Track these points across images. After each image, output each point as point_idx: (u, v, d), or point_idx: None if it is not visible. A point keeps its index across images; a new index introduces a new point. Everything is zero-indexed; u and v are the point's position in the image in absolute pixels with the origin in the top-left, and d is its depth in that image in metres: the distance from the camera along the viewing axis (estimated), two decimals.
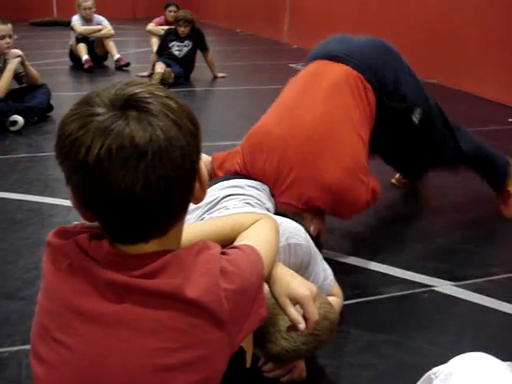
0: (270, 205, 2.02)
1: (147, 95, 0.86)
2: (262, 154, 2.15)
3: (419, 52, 6.49)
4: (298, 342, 1.38)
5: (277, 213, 1.98)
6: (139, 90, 0.86)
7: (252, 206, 1.87)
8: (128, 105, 0.84)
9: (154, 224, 0.90)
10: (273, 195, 2.12)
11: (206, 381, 0.95)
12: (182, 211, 0.94)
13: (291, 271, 1.21)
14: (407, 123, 2.37)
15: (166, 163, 0.84)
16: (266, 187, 2.11)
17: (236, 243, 1.11)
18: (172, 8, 7.45)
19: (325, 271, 1.79)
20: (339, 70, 2.25)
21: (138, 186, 0.83)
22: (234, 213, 1.23)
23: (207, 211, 1.76)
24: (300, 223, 1.88)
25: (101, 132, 0.82)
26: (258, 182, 2.10)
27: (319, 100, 2.19)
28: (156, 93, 0.87)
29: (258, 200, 1.96)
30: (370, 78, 2.23)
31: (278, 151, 2.12)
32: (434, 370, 0.75)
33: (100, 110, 0.84)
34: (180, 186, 0.88)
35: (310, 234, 1.83)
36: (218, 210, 1.76)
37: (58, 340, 0.93)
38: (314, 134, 2.11)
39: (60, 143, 0.86)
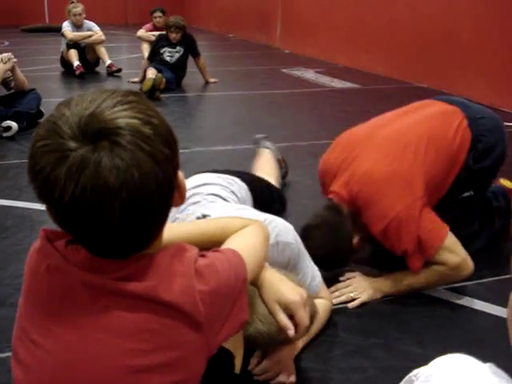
0: (240, 196, 2.04)
1: (119, 124, 0.83)
2: (332, 148, 2.32)
3: (410, 57, 6.54)
4: (272, 327, 1.37)
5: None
6: (110, 117, 0.83)
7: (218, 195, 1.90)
8: (99, 136, 0.82)
9: (132, 246, 0.91)
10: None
11: (183, 382, 0.96)
12: (161, 227, 0.95)
13: (281, 276, 1.21)
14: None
15: (141, 198, 0.84)
16: (239, 183, 2.14)
17: (223, 246, 1.11)
18: (157, 14, 7.46)
19: (313, 272, 1.80)
20: (448, 107, 2.31)
21: (114, 221, 0.84)
22: (223, 216, 1.24)
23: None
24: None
25: (74, 171, 0.81)
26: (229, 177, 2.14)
27: (409, 120, 2.26)
28: (128, 120, 0.83)
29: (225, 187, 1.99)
30: (472, 126, 2.23)
31: (347, 145, 2.24)
32: (415, 371, 0.75)
33: (72, 144, 0.82)
34: (157, 210, 0.89)
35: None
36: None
37: (35, 341, 0.93)
38: (384, 140, 2.17)
39: (32, 175, 0.85)
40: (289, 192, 3.12)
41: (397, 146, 2.12)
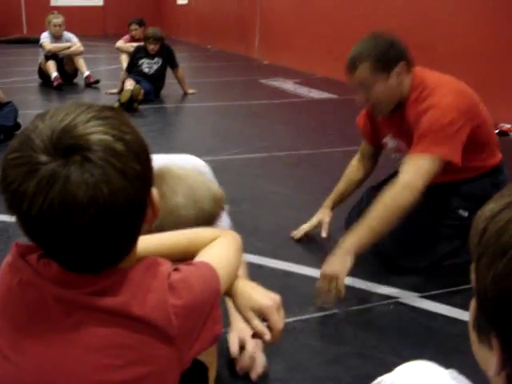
0: None
1: (91, 139, 0.83)
2: None
3: None
4: None
5: None
6: (83, 132, 0.83)
7: None
8: (71, 151, 0.82)
9: (103, 261, 0.91)
10: None
11: None
12: (133, 243, 0.94)
13: (253, 284, 1.22)
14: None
15: (110, 214, 0.84)
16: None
17: (196, 259, 1.12)
18: (134, 26, 7.46)
19: None
20: None
21: (83, 236, 0.84)
22: (194, 228, 1.24)
23: None
24: None
25: (43, 185, 0.81)
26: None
27: None
28: (101, 136, 0.83)
29: None
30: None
31: None
32: (379, 379, 0.77)
33: (43, 158, 0.81)
34: (127, 226, 0.89)
35: None
36: None
37: (7, 357, 0.93)
38: None
39: (3, 187, 0.85)
40: (267, 202, 3.14)
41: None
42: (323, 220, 2.68)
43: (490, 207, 0.68)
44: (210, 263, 1.06)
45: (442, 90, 2.19)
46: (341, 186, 2.72)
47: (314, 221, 2.69)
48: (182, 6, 14.39)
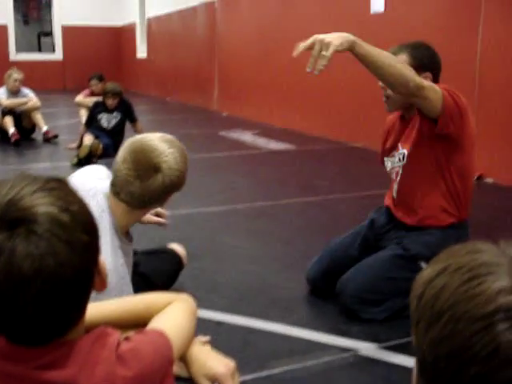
0: None
1: (36, 211, 0.83)
2: None
3: (344, 117, 6.77)
4: None
5: None
6: (28, 205, 0.84)
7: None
8: (16, 224, 0.82)
9: (50, 333, 0.90)
10: None
11: None
12: (80, 313, 0.94)
13: (207, 349, 1.23)
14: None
15: (57, 286, 0.84)
16: None
17: (149, 326, 1.12)
18: (95, 81, 7.48)
19: None
20: None
21: (28, 310, 0.83)
22: (148, 293, 1.25)
23: None
24: None
25: None
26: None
27: None
28: (46, 208, 0.84)
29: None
30: None
31: None
32: None
33: None
34: (74, 297, 0.89)
35: None
36: None
37: None
38: None
39: None
40: (227, 257, 3.14)
41: None
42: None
43: (427, 272, 0.71)
44: (163, 331, 1.06)
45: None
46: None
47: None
48: (141, 59, 14.56)
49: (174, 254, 2.60)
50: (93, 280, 0.92)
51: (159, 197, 1.86)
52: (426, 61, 2.38)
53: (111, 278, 1.35)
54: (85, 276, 0.89)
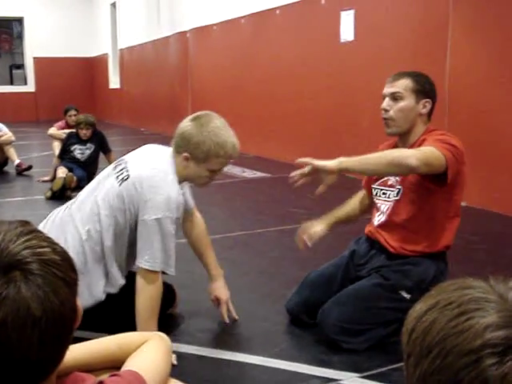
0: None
1: (27, 254, 0.83)
2: None
3: (316, 144, 6.83)
4: None
5: None
6: (16, 250, 0.83)
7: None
8: (10, 268, 0.82)
9: (37, 377, 0.88)
10: None
11: None
12: (64, 354, 0.93)
13: None
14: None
15: (58, 325, 0.84)
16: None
17: (123, 368, 1.10)
18: (72, 112, 7.45)
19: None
20: None
21: (32, 352, 0.82)
22: (121, 333, 1.23)
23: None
24: None
25: None
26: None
27: None
28: (36, 250, 0.84)
29: None
30: None
31: None
32: None
33: None
34: (67, 337, 0.88)
35: None
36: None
37: None
38: None
39: None
40: (204, 288, 3.12)
41: None
42: (315, 231, 2.65)
43: (418, 307, 0.71)
44: (138, 372, 1.04)
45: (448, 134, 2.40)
46: (347, 208, 2.78)
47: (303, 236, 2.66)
48: (114, 89, 14.56)
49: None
50: (76, 321, 0.91)
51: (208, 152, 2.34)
52: (428, 88, 2.44)
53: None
54: (75, 314, 0.89)
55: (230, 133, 2.43)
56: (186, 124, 2.40)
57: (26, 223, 0.89)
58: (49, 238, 0.89)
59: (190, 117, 2.45)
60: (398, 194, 2.46)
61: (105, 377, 1.02)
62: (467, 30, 4.92)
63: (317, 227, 2.64)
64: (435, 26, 5.20)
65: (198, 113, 2.48)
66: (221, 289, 2.69)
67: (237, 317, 2.67)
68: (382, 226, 2.53)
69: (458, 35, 4.94)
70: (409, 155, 2.16)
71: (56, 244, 0.88)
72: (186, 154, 2.35)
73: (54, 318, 0.82)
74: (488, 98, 4.71)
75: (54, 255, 0.85)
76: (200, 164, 2.36)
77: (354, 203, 2.78)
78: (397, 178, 2.48)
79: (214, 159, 2.36)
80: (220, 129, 2.38)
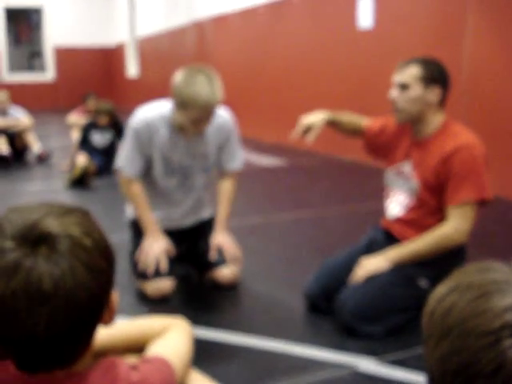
0: None
1: (61, 233, 0.85)
2: None
3: (333, 132, 6.80)
4: None
5: None
6: (53, 225, 0.85)
7: None
8: (39, 241, 0.84)
9: (58, 359, 0.89)
10: None
11: None
12: (88, 341, 0.94)
13: (204, 378, 1.23)
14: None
15: (70, 307, 0.84)
16: None
17: (147, 352, 1.12)
18: (91, 99, 7.51)
19: (238, 153, 2.90)
20: None
21: (39, 329, 0.83)
22: (143, 318, 1.25)
23: None
24: None
25: (7, 272, 0.82)
26: None
27: None
28: (71, 231, 0.86)
29: None
30: None
31: None
32: None
33: (9, 244, 0.83)
34: (85, 323, 0.89)
35: None
36: None
37: None
38: None
39: None
40: None
41: None
42: (314, 124, 2.73)
43: (439, 290, 0.73)
44: (165, 358, 1.06)
45: (465, 132, 2.41)
46: (353, 117, 2.91)
47: (303, 123, 2.76)
48: (131, 79, 14.59)
49: None
50: (103, 310, 0.92)
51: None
52: (437, 74, 2.41)
53: None
54: (97, 302, 0.89)
55: (207, 85, 2.53)
56: (178, 73, 2.61)
57: (76, 209, 0.91)
58: (92, 225, 0.90)
59: (188, 67, 2.65)
60: (415, 187, 2.46)
61: (130, 360, 1.03)
62: (486, 17, 4.86)
63: (317, 117, 2.77)
64: (454, 12, 5.14)
65: (193, 65, 2.69)
66: (219, 236, 2.92)
67: (239, 255, 2.92)
68: (399, 220, 2.54)
69: (478, 21, 4.88)
70: (451, 233, 2.34)
71: (96, 231, 0.89)
72: (173, 101, 2.64)
73: (66, 299, 0.83)
74: (508, 86, 4.66)
75: (86, 240, 0.86)
76: (180, 111, 2.58)
77: (359, 119, 2.87)
78: (411, 167, 2.48)
79: (189, 108, 2.54)
80: (199, 81, 2.52)
